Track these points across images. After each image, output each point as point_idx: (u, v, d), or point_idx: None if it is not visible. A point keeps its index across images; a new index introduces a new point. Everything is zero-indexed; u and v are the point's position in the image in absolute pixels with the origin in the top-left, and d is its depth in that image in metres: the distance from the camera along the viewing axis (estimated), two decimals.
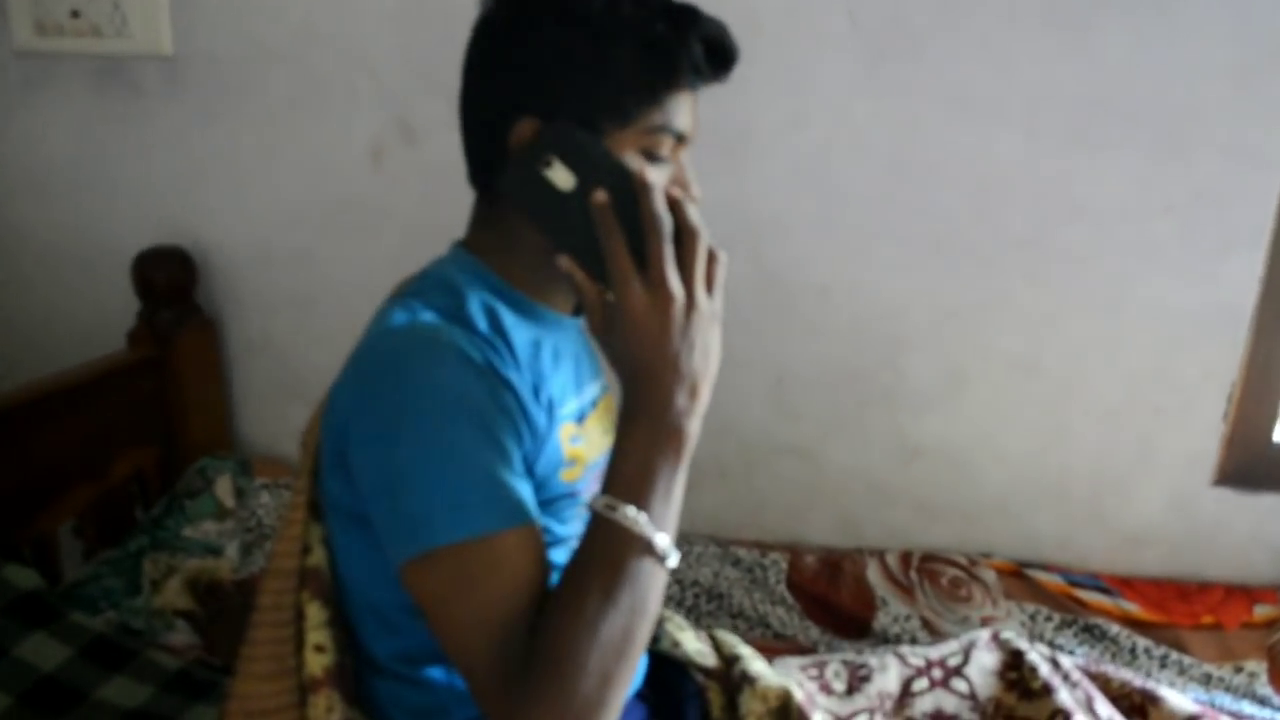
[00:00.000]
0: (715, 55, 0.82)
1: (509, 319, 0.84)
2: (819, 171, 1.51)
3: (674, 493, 0.74)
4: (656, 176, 0.77)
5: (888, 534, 1.64)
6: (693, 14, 0.82)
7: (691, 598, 1.55)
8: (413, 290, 0.86)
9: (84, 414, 1.50)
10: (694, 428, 0.74)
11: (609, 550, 0.72)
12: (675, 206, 0.74)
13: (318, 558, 0.88)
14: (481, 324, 0.81)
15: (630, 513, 0.72)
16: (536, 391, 0.83)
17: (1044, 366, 1.54)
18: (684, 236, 0.74)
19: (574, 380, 0.92)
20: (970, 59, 1.44)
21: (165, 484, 1.68)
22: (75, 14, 1.64)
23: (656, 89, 0.80)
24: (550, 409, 0.85)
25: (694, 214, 0.75)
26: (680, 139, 0.83)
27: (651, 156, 0.81)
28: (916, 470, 1.62)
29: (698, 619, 1.51)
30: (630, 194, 0.74)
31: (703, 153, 1.39)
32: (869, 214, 1.52)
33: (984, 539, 1.62)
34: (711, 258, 0.75)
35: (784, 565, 1.58)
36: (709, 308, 0.74)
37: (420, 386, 0.75)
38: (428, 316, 0.81)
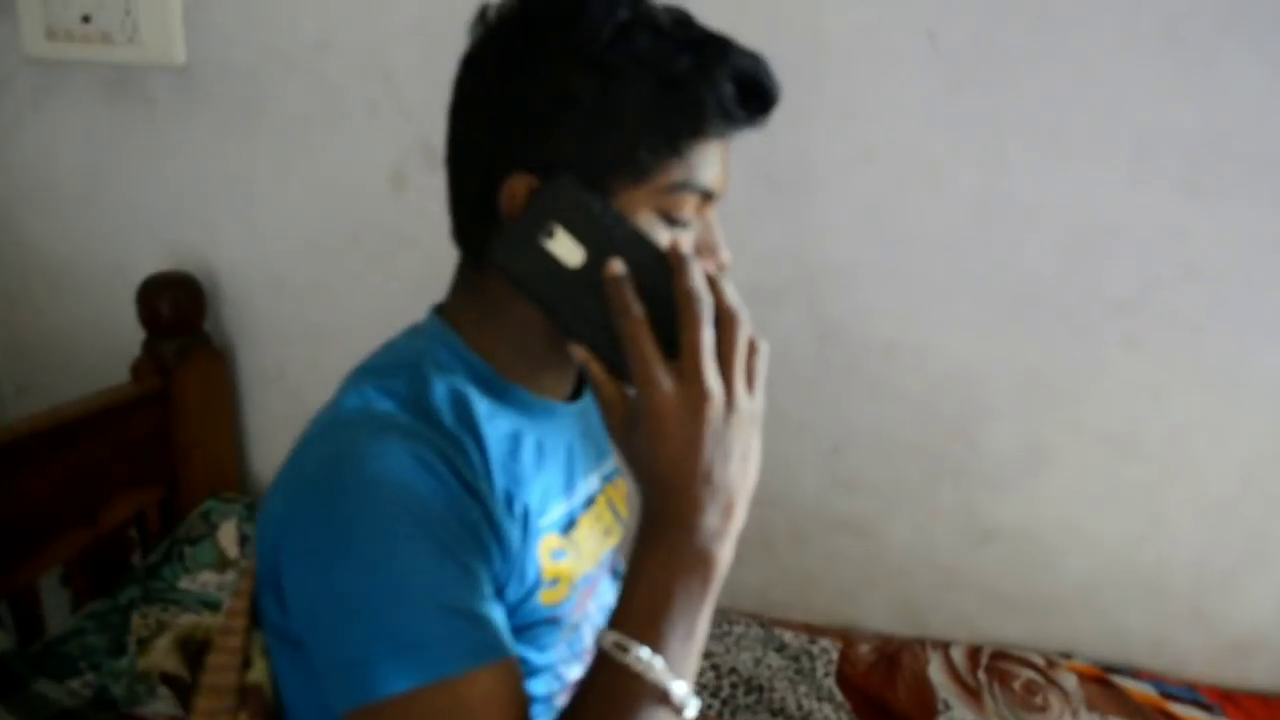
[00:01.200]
0: (750, 96, 0.69)
1: (483, 408, 0.72)
2: (888, 214, 1.34)
3: (697, 630, 0.63)
4: (687, 245, 0.65)
5: (953, 624, 1.47)
6: (722, 47, 0.68)
7: (728, 688, 1.38)
8: (372, 367, 0.74)
9: (79, 452, 1.39)
10: (726, 553, 0.63)
11: (615, 698, 0.61)
12: (710, 284, 0.63)
13: (259, 672, 0.76)
14: (447, 417, 0.70)
15: (643, 655, 0.60)
16: (510, 500, 0.71)
17: (1142, 446, 1.36)
18: (721, 321, 0.63)
19: (563, 479, 0.79)
20: (1069, 88, 1.25)
21: (167, 527, 1.57)
22: (86, 19, 1.53)
23: (678, 139, 0.68)
24: (526, 520, 0.72)
25: (733, 294, 0.63)
26: (707, 197, 0.71)
27: (671, 219, 0.69)
28: (989, 554, 1.44)
29: (733, 713, 1.34)
30: (654, 268, 0.64)
31: (754, 190, 1.34)
32: (945, 264, 1.35)
33: (1064, 636, 1.44)
34: (752, 348, 0.64)
35: (834, 654, 1.42)
36: (750, 408, 0.63)
37: (365, 495, 0.63)
38: (384, 406, 0.69)
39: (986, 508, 1.43)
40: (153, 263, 1.60)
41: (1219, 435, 1.33)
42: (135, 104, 1.57)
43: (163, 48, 1.52)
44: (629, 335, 0.62)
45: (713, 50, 0.68)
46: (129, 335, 1.56)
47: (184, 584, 1.48)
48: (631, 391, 0.63)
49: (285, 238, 1.58)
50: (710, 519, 0.62)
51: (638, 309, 0.62)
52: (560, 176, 0.65)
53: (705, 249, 0.71)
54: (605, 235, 0.65)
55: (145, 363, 1.54)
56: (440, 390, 0.71)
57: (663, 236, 0.68)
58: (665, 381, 0.61)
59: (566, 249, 0.65)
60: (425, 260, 1.50)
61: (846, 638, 1.45)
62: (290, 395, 1.64)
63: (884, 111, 1.31)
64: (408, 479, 0.64)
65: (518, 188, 0.67)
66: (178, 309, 1.54)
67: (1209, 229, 1.26)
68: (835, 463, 1.46)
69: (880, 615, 1.50)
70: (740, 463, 0.62)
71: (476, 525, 0.67)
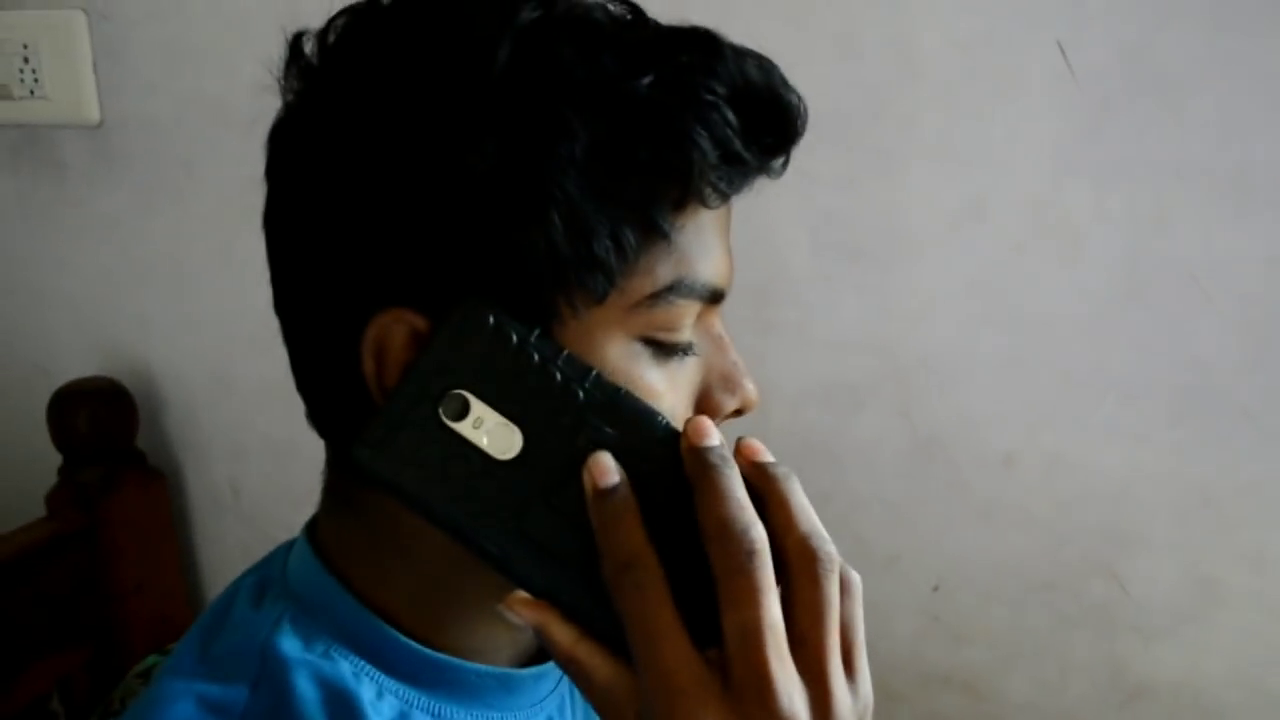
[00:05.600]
0: (762, 127, 0.47)
1: (387, 706, 0.49)
2: (1004, 288, 1.08)
3: None
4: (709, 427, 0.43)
5: None
6: (705, 48, 0.46)
7: None
8: (201, 635, 0.52)
9: None
10: None
11: None
12: (761, 478, 0.42)
13: None
14: None
15: None
16: None
17: None
18: (789, 562, 0.41)
19: None
20: (1254, 118, 0.97)
21: (99, 694, 1.31)
22: None
23: (658, 211, 0.45)
24: None
25: (801, 502, 0.42)
26: (713, 299, 0.49)
27: (663, 347, 0.47)
28: (1138, 716, 1.18)
29: None
30: (647, 452, 0.42)
31: (825, 260, 1.12)
32: (1082, 351, 1.08)
33: None
34: (844, 587, 0.42)
35: None
36: (851, 703, 0.40)
37: None
38: None
39: (1136, 659, 1.17)
40: (75, 365, 1.36)
41: None
42: (43, 170, 1.34)
43: (72, 103, 1.28)
44: (631, 601, 0.39)
45: (691, 58, 0.45)
46: (46, 459, 1.31)
47: None
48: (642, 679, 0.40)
49: (230, 328, 1.34)
50: None
51: (648, 554, 0.40)
52: (465, 303, 0.43)
53: (720, 383, 0.50)
54: (557, 399, 0.43)
55: (62, 493, 1.29)
56: (304, 681, 0.48)
57: (654, 381, 0.46)
58: (700, 677, 0.38)
59: (489, 430, 0.42)
60: None
61: None
62: (247, 520, 1.41)
63: (998, 154, 1.05)
64: None
65: (390, 335, 0.45)
66: (99, 424, 1.29)
67: None
68: (937, 605, 1.21)
69: None
70: None
71: None
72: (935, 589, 1.20)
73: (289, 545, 0.57)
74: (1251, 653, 1.13)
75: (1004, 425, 1.13)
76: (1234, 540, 1.10)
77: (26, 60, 1.26)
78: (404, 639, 0.50)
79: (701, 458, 0.41)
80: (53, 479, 1.30)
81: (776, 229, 1.07)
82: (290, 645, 0.49)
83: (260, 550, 1.54)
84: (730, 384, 0.51)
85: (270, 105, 1.23)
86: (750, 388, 0.51)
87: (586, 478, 0.42)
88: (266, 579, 0.55)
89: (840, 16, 1.00)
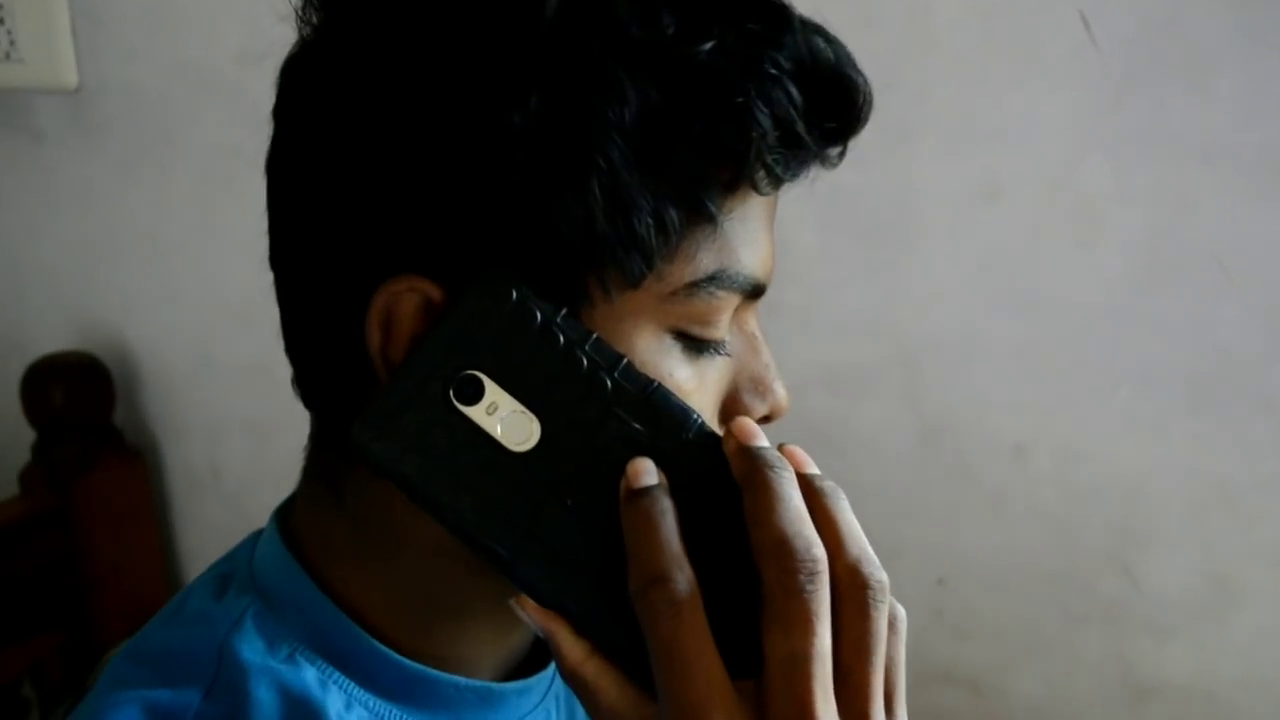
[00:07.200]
0: (828, 111, 0.43)
1: (355, 718, 0.45)
2: (1019, 271, 1.05)
3: None
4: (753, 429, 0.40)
5: None
6: (775, 18, 0.42)
7: None
8: (151, 652, 0.47)
9: None
10: None
11: None
12: (809, 493, 0.38)
13: None
14: None
15: None
16: None
17: None
18: (839, 593, 0.37)
19: None
20: None
21: (73, 679, 1.28)
22: None
23: (706, 193, 0.41)
24: None
25: (850, 523, 0.38)
26: (754, 293, 0.45)
27: (696, 342, 0.43)
28: (1148, 718, 1.15)
29: None
30: (679, 456, 0.39)
31: (833, 241, 1.11)
32: (1098, 337, 1.05)
33: None
34: (890, 621, 0.38)
35: None
36: None
37: None
38: None
39: (1147, 657, 1.14)
40: (50, 339, 1.33)
41: None
42: (19, 137, 1.31)
43: (49, 67, 1.24)
44: (662, 621, 0.35)
45: (757, 25, 0.41)
46: (19, 436, 1.28)
47: None
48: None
49: (212, 304, 1.31)
50: None
51: (685, 568, 0.36)
52: (486, 275, 0.39)
53: (750, 385, 0.46)
54: (583, 388, 0.39)
55: (35, 471, 1.26)
56: (265, 703, 0.43)
57: (683, 379, 0.42)
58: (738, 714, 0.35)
59: (504, 418, 0.38)
60: None
61: None
62: (228, 500, 1.37)
63: (1015, 131, 1.02)
64: None
65: (401, 304, 0.40)
66: (75, 400, 1.26)
67: None
68: (941, 598, 1.19)
69: None
70: None
71: None
72: (940, 582, 1.18)
73: (257, 534, 0.52)
74: (1268, 654, 1.11)
75: (1015, 414, 1.10)
76: (1253, 536, 1.07)
77: (1, 21, 1.22)
78: (379, 645, 0.46)
79: (756, 460, 0.38)
80: (26, 456, 1.27)
81: (780, 206, 1.03)
82: (251, 647, 0.45)
83: (240, 533, 1.52)
84: (761, 387, 0.46)
85: (248, 71, 1.21)
86: (782, 393, 0.47)
87: (630, 479, 0.38)
88: (232, 570, 0.51)
89: None
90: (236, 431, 1.35)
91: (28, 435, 1.27)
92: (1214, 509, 1.07)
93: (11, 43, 1.22)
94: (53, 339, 1.33)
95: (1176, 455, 1.07)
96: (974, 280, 1.07)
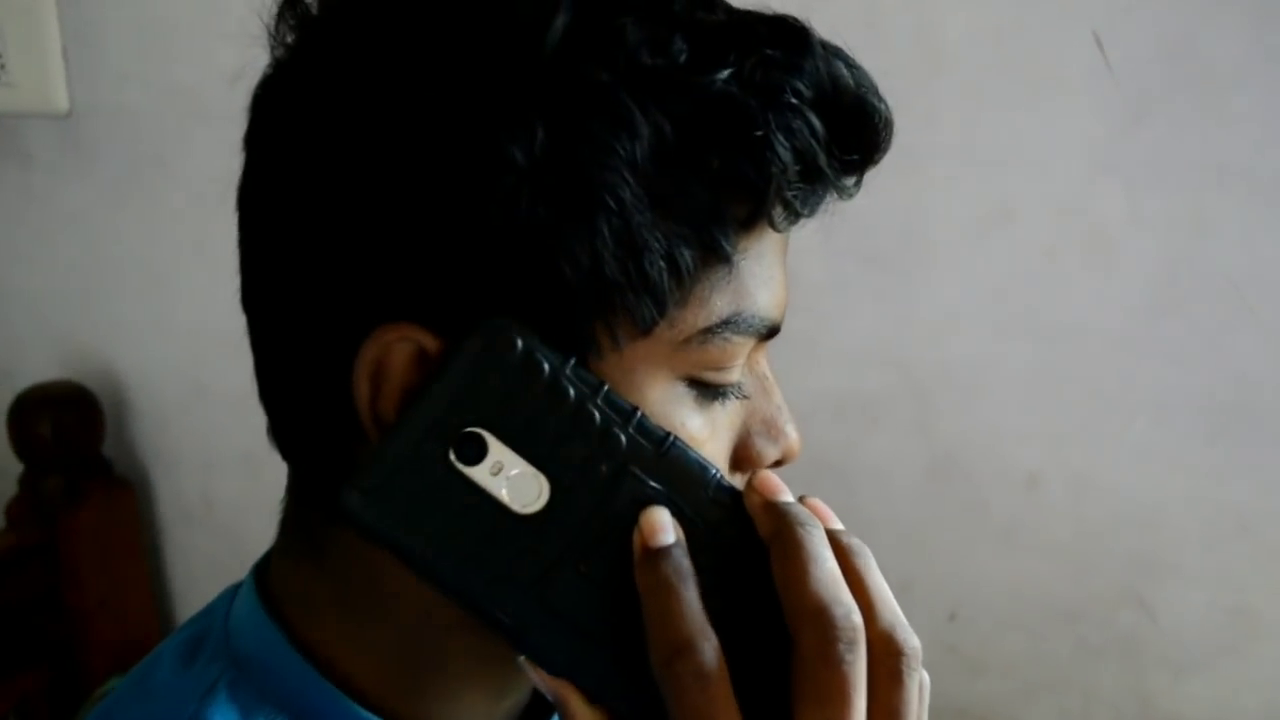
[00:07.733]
0: (851, 141, 0.41)
1: None
2: (1031, 297, 1.05)
3: None
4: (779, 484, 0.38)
5: None
6: (794, 42, 0.39)
7: None
8: (117, 705, 0.45)
9: None
10: None
11: None
12: (836, 551, 0.36)
13: None
14: None
15: None
16: None
17: None
18: (874, 664, 0.35)
19: None
20: None
21: (58, 718, 1.27)
22: None
23: (721, 231, 0.39)
24: None
25: (879, 578, 0.37)
26: (769, 335, 0.43)
27: (710, 389, 0.41)
28: None
29: None
30: (698, 518, 0.37)
31: (839, 266, 1.10)
32: (1113, 364, 1.05)
33: None
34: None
35: None
36: None
37: None
38: None
39: (1164, 694, 1.13)
40: (38, 368, 1.33)
41: None
42: (8, 161, 1.32)
43: (40, 91, 1.25)
44: (689, 695, 0.33)
45: (776, 51, 0.38)
46: (5, 468, 1.28)
47: None
48: None
49: (205, 332, 1.29)
50: None
51: (709, 637, 0.34)
52: (487, 324, 0.36)
53: (762, 428, 0.44)
54: (595, 444, 0.36)
55: (22, 503, 1.25)
56: None
57: (696, 428, 0.40)
58: None
59: (510, 478, 0.36)
60: None
61: None
62: (220, 534, 1.36)
63: (1027, 153, 1.01)
64: None
65: (392, 355, 0.37)
66: (63, 431, 1.25)
67: None
68: (953, 634, 1.17)
69: None
70: None
71: None
72: (951, 617, 1.16)
73: (234, 590, 0.49)
74: None
75: (1028, 444, 1.09)
76: (1272, 568, 1.05)
77: None
78: (363, 712, 0.43)
79: (785, 518, 0.36)
80: (13, 489, 1.27)
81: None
82: (224, 717, 0.42)
83: (233, 568, 1.50)
84: (774, 430, 0.44)
85: (242, 95, 1.23)
86: (794, 435, 0.44)
87: (636, 535, 0.36)
88: (204, 632, 0.47)
89: (859, 0, 0.97)
90: (229, 463, 1.33)
91: (15, 467, 1.26)
92: (1232, 540, 1.05)
93: (2, 66, 1.22)
94: (41, 368, 1.32)
95: (1194, 485, 1.05)
96: (985, 307, 1.06)
